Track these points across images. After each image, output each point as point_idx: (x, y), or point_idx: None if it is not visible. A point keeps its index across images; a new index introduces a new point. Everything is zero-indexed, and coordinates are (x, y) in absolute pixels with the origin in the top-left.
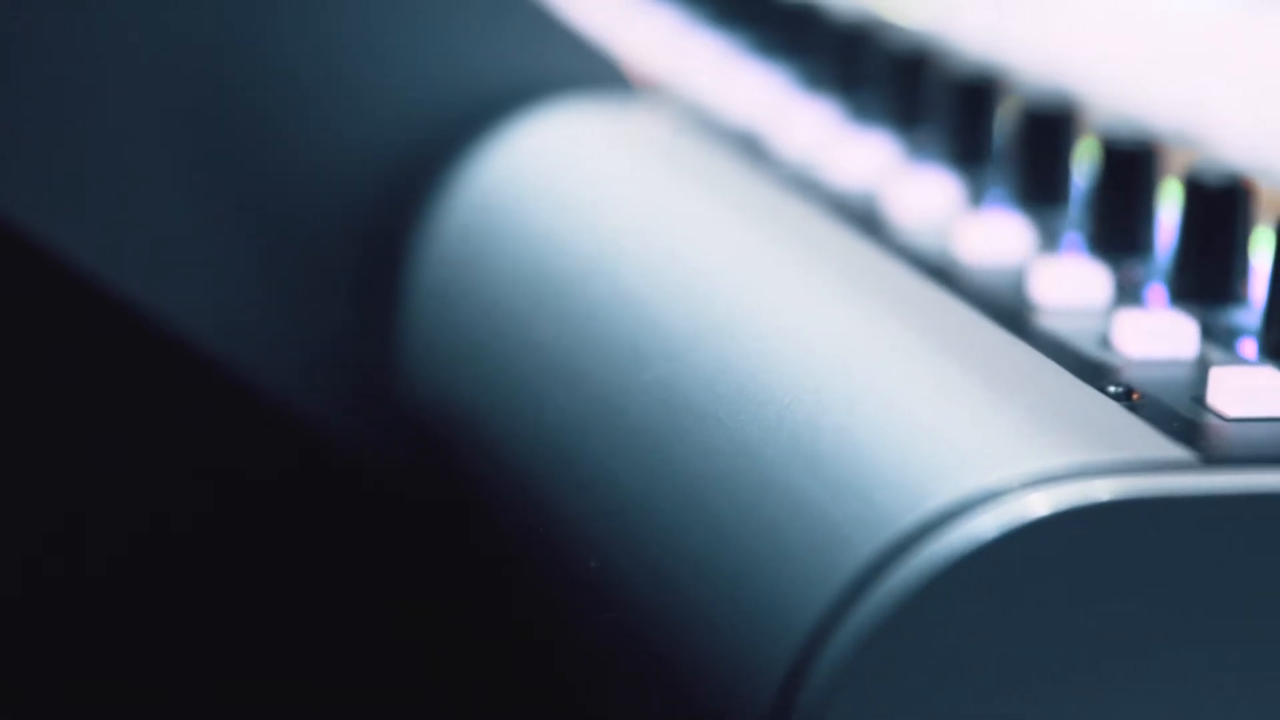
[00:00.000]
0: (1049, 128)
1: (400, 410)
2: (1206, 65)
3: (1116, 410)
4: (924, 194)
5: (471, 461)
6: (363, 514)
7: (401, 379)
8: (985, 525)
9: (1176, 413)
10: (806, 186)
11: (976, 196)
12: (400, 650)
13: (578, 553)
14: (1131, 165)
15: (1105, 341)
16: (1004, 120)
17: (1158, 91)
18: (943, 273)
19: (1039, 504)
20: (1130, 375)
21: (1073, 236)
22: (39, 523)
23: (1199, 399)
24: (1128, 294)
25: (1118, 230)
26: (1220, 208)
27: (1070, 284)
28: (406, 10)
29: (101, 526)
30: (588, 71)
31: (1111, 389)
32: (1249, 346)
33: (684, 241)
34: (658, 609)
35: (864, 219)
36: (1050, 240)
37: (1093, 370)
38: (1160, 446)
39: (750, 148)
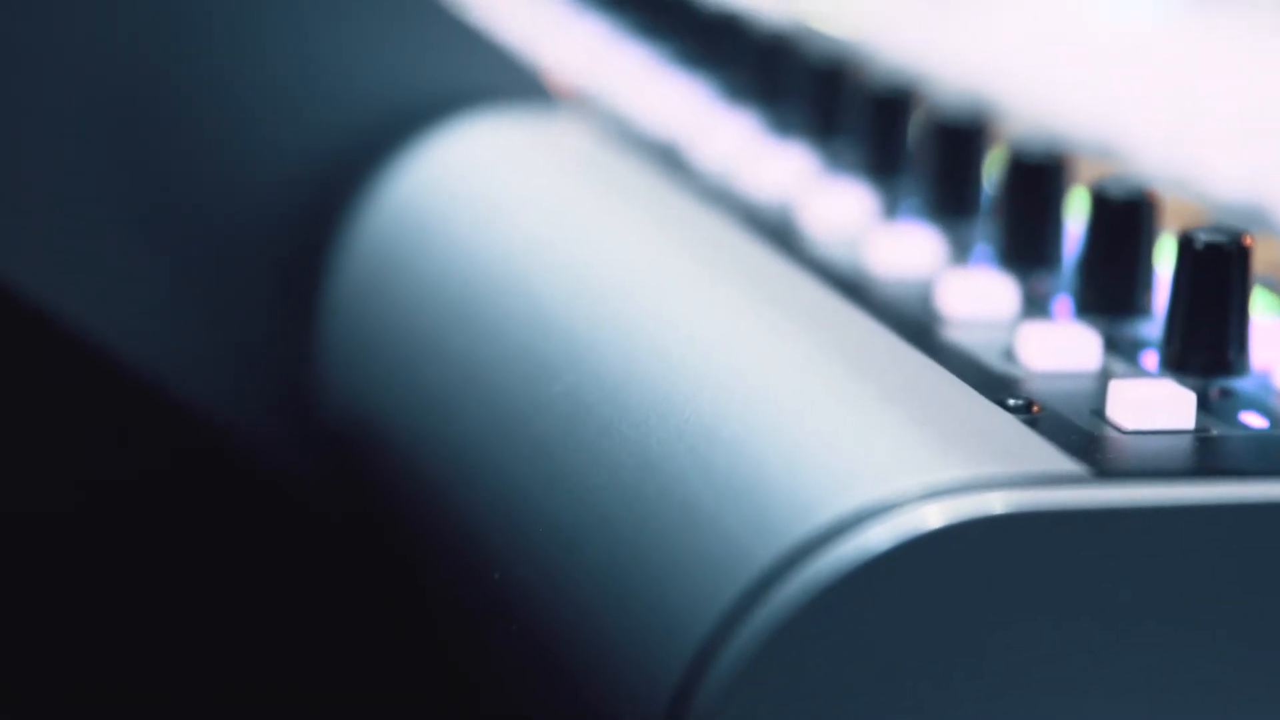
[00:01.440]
0: (961, 139)
1: (318, 420)
2: (1127, 77)
3: (1012, 423)
4: (837, 206)
5: (384, 473)
6: (281, 523)
7: (319, 389)
8: (877, 537)
9: (1075, 425)
10: (723, 198)
11: (890, 208)
12: (320, 657)
13: (482, 565)
14: (1040, 178)
15: (1009, 354)
16: (918, 132)
17: (1078, 102)
18: (853, 284)
19: (930, 516)
20: (1032, 388)
21: (983, 248)
22: None
23: (1098, 412)
24: (1034, 306)
25: (1027, 242)
26: (1125, 221)
27: (977, 296)
28: (326, 22)
29: (11, 533)
30: (509, 83)
31: (1012, 402)
32: (1151, 359)
33: (594, 254)
34: (558, 621)
35: (779, 231)
36: (961, 252)
37: (995, 383)
38: (1053, 460)
39: (670, 159)
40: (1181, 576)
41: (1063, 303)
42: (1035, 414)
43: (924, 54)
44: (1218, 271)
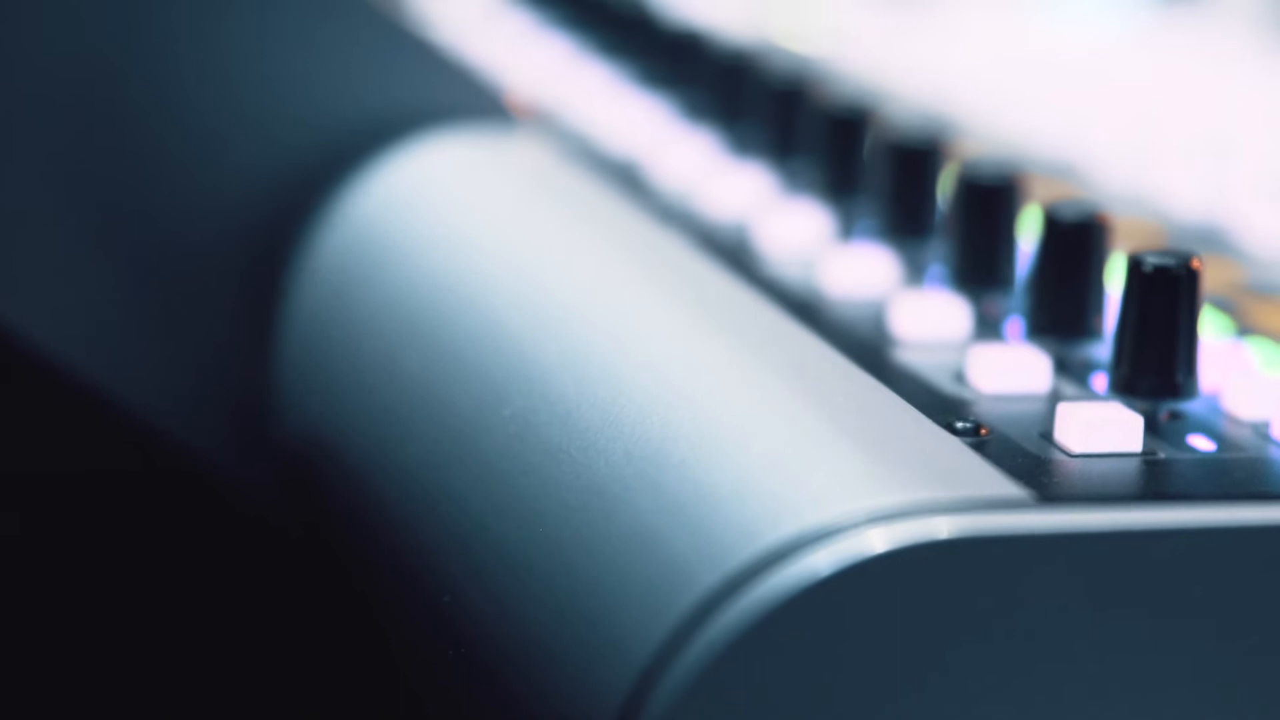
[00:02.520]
0: (916, 160)
1: (275, 436)
2: (1088, 96)
3: (958, 447)
4: (793, 226)
5: (338, 491)
6: (237, 536)
7: (276, 405)
8: (820, 561)
9: (1022, 449)
10: (681, 218)
11: (846, 228)
12: (272, 673)
13: (433, 586)
14: (992, 198)
15: (960, 376)
16: (874, 152)
17: (1039, 121)
18: (808, 305)
19: (872, 541)
20: (981, 410)
21: (938, 269)
22: None
23: (1046, 435)
24: (987, 328)
25: (980, 264)
26: (1076, 243)
27: (929, 318)
28: (286, 40)
29: None
30: (469, 102)
31: (960, 424)
32: (1102, 381)
33: (547, 275)
34: (506, 643)
35: (735, 251)
36: (916, 273)
37: (945, 405)
38: (998, 484)
39: (629, 178)
40: (1127, 601)
41: (1015, 324)
42: (983, 437)
43: (887, 71)
44: (1166, 294)
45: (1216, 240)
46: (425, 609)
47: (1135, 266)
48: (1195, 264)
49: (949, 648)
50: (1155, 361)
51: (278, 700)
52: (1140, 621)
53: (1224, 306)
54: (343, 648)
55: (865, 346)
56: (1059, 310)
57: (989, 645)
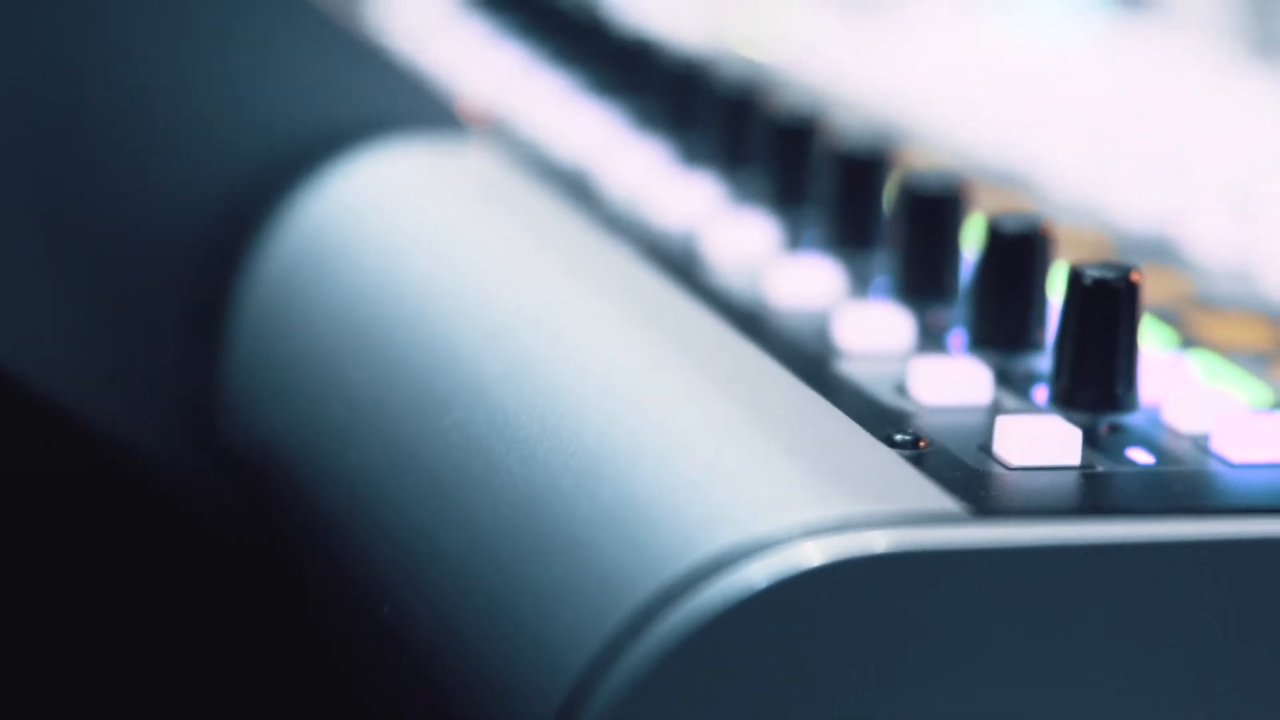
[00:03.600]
0: (862, 171)
1: (224, 445)
2: (1041, 106)
3: (895, 460)
4: (740, 236)
5: (285, 500)
6: (187, 544)
7: (225, 414)
8: (757, 573)
9: (961, 462)
10: (630, 227)
11: (794, 239)
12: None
13: (375, 597)
14: (936, 209)
15: (902, 388)
16: (821, 163)
17: (992, 130)
18: (753, 316)
19: (809, 553)
20: (922, 423)
21: (883, 280)
22: None
23: (985, 448)
24: (930, 339)
25: (924, 275)
26: (1018, 255)
27: (872, 329)
28: (237, 48)
29: None
30: (420, 111)
31: (899, 437)
32: (1044, 394)
33: (490, 286)
34: (445, 655)
35: (682, 261)
36: (862, 284)
37: (886, 417)
38: (933, 498)
39: (579, 187)
40: (1064, 615)
41: (958, 336)
42: (922, 449)
43: (843, 79)
44: (1106, 307)
45: (1164, 251)
46: (368, 618)
47: (1075, 279)
48: (1135, 277)
49: (885, 660)
50: (1095, 374)
51: (224, 706)
52: (1077, 636)
53: (1169, 318)
54: (290, 655)
55: (809, 357)
56: (1001, 322)
57: (925, 658)
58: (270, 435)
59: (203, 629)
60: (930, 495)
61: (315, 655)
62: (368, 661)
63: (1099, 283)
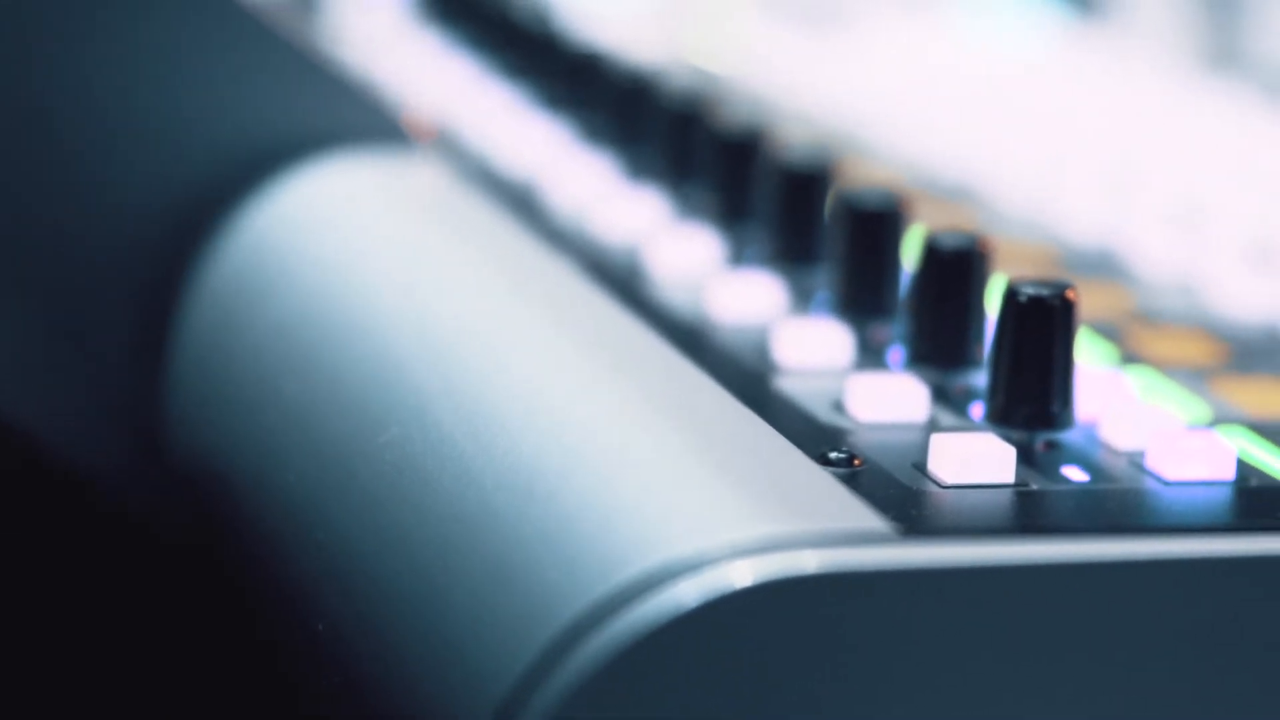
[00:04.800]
0: (804, 186)
1: (168, 457)
2: (993, 118)
3: (826, 479)
4: (684, 252)
5: (226, 515)
6: (131, 557)
7: (169, 428)
8: (686, 592)
9: (895, 480)
10: (575, 242)
11: (738, 254)
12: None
13: (310, 615)
14: (876, 226)
15: (839, 405)
16: (764, 177)
17: (944, 142)
18: (694, 332)
19: (739, 573)
20: (858, 440)
21: (825, 296)
22: None
23: (920, 466)
24: (870, 356)
25: (865, 291)
26: (955, 272)
27: (811, 345)
28: (183, 62)
29: None
30: (367, 125)
31: (834, 455)
32: (980, 411)
33: (431, 302)
34: (377, 675)
35: (626, 276)
36: (804, 299)
37: (822, 435)
38: (863, 517)
39: (526, 201)
40: (995, 636)
41: (898, 352)
42: (856, 468)
43: (796, 90)
44: (1041, 325)
45: (1110, 265)
46: (304, 635)
47: (1011, 296)
48: (1071, 294)
49: (816, 680)
50: (1030, 392)
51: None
52: (1008, 656)
53: (1111, 334)
54: (232, 669)
55: (748, 374)
56: (940, 339)
57: (857, 677)
58: (211, 451)
59: (146, 643)
60: (861, 515)
61: (256, 670)
62: (305, 678)
63: (1034, 300)
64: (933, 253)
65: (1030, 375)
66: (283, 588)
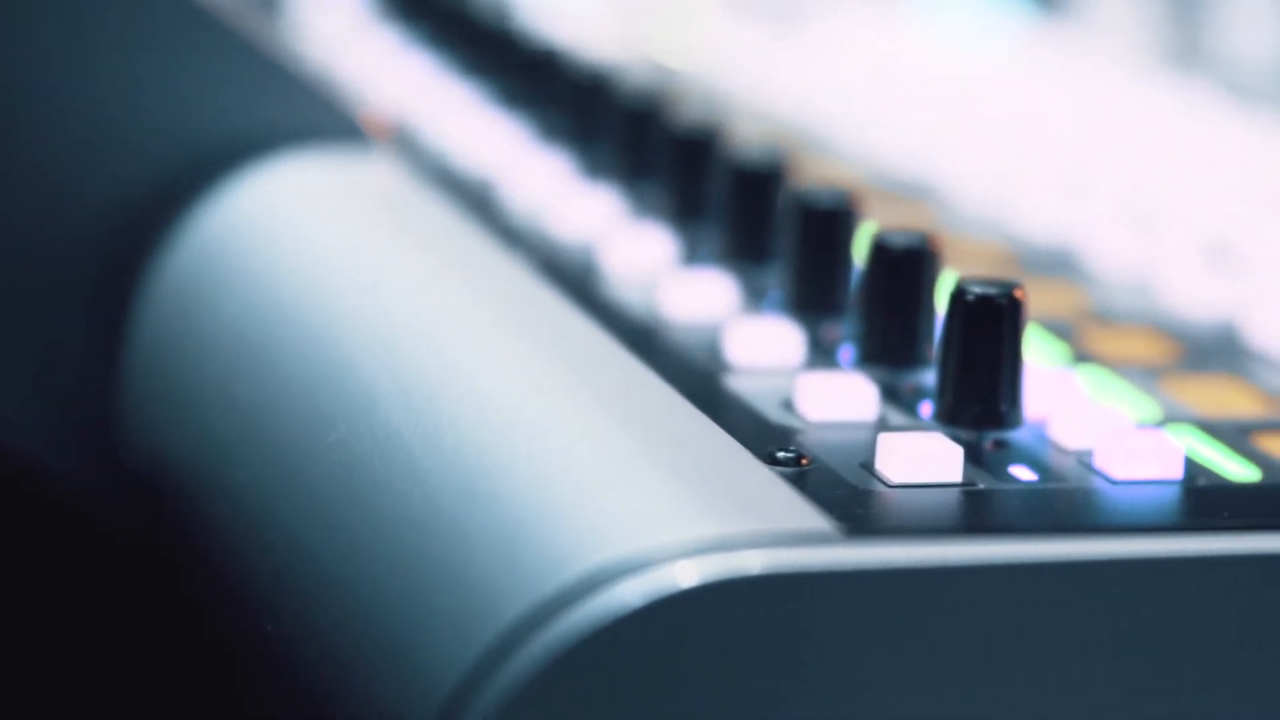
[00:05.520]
0: (757, 184)
1: (123, 456)
2: (954, 116)
3: (772, 479)
4: (638, 250)
5: (180, 515)
6: (85, 559)
7: (124, 427)
8: (630, 592)
9: (842, 479)
10: (530, 240)
11: (692, 253)
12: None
13: (259, 615)
14: (828, 224)
15: (789, 404)
16: (719, 176)
17: (905, 139)
18: (647, 330)
19: (683, 573)
20: (807, 439)
21: (779, 295)
22: None
23: (867, 465)
24: (821, 355)
25: (817, 290)
26: (905, 271)
27: (762, 345)
28: (138, 60)
29: None
30: (324, 124)
31: (781, 455)
32: (930, 410)
33: (383, 301)
34: (324, 675)
35: (580, 275)
36: (757, 299)
37: (770, 434)
38: (808, 517)
39: (482, 199)
40: (941, 637)
41: (849, 352)
42: (804, 467)
43: (757, 87)
44: (989, 324)
45: (1066, 264)
46: (253, 634)
47: (959, 295)
48: (1019, 293)
49: (762, 681)
50: (978, 391)
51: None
52: (955, 656)
53: (1063, 332)
54: (181, 666)
55: (699, 373)
56: (889, 338)
57: (803, 678)
58: (165, 450)
59: (97, 641)
60: (806, 514)
61: (207, 670)
62: (254, 679)
63: (982, 299)
64: (882, 251)
65: (978, 374)
66: (232, 588)
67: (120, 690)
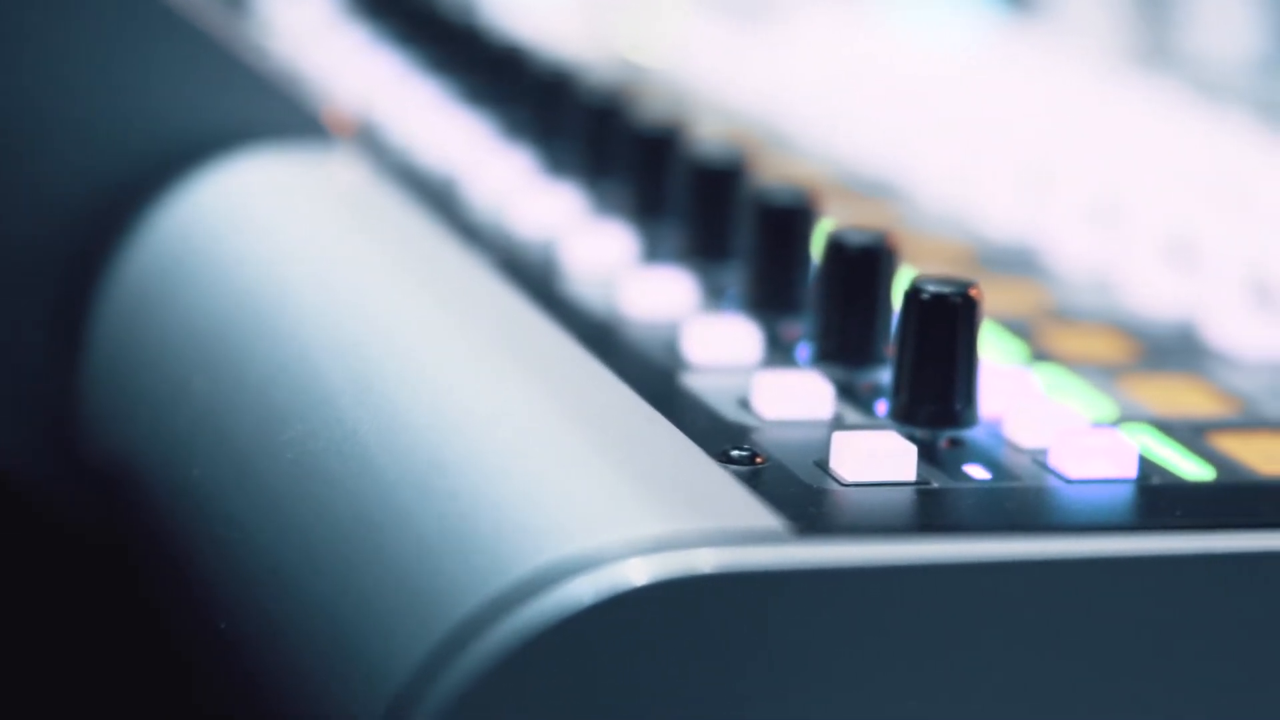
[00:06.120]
0: (718, 182)
1: (83, 453)
2: (918, 114)
3: (725, 477)
4: (598, 247)
5: (138, 513)
6: (45, 555)
7: (83, 423)
8: (581, 589)
9: (796, 478)
10: (491, 238)
11: (652, 250)
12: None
13: (214, 613)
14: (786, 222)
15: (745, 402)
16: (679, 174)
17: (869, 137)
18: (606, 328)
19: (633, 571)
20: (763, 437)
21: (736, 293)
22: None
23: (822, 463)
24: (779, 353)
25: (776, 288)
26: (861, 270)
27: (720, 343)
28: (99, 56)
29: None
30: (286, 121)
31: (735, 453)
32: (885, 408)
33: (338, 299)
34: (276, 672)
35: (541, 272)
36: (715, 297)
37: (726, 432)
38: (759, 516)
39: (445, 197)
40: (893, 637)
41: (807, 350)
42: (758, 465)
43: (724, 84)
44: (944, 323)
45: (1028, 263)
46: (207, 633)
47: (913, 294)
48: (974, 292)
49: (713, 679)
50: (933, 389)
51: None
52: (906, 655)
53: (1023, 330)
54: (138, 662)
55: (657, 371)
56: (846, 336)
57: (754, 677)
58: (122, 446)
59: (55, 638)
60: (757, 513)
61: (163, 666)
62: (209, 674)
63: (936, 298)
64: (838, 250)
65: (933, 373)
66: (188, 585)
67: (78, 687)
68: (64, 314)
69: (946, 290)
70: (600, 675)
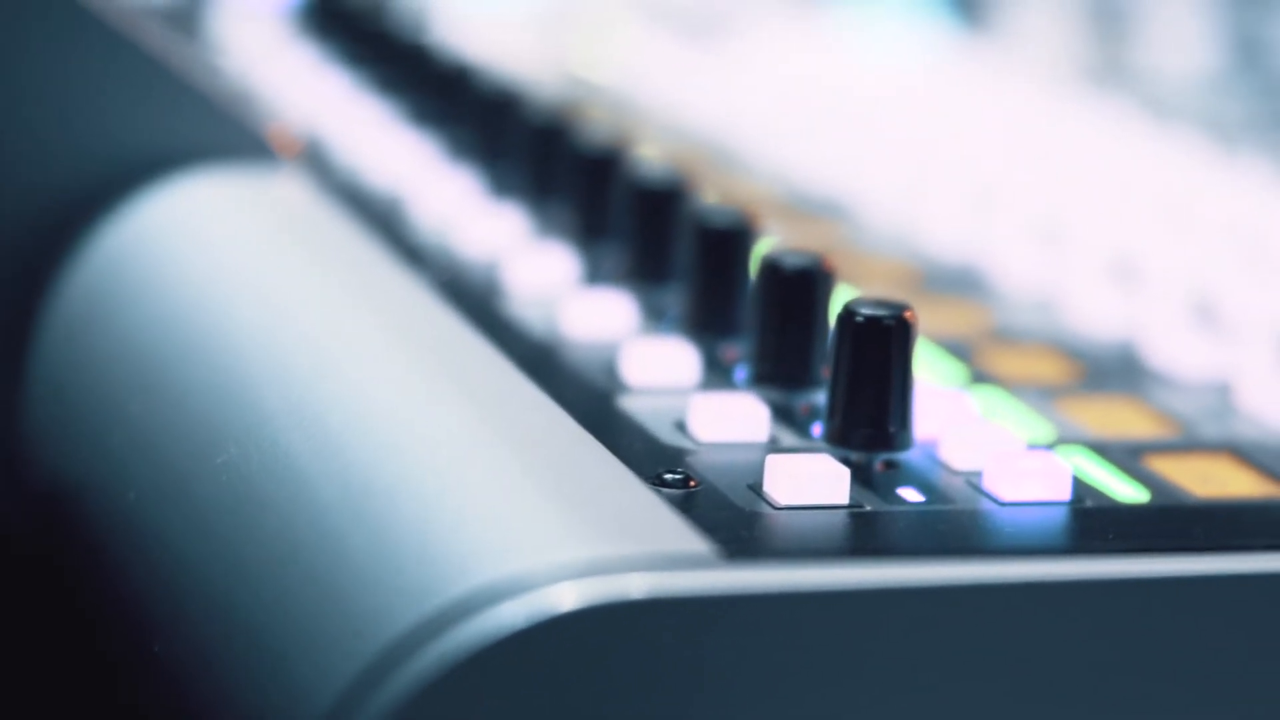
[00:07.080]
0: (659, 204)
1: (24, 476)
2: (865, 135)
3: (656, 501)
4: (541, 269)
5: (76, 535)
6: None
7: (24, 445)
8: (509, 614)
9: (729, 501)
10: (435, 259)
11: (594, 272)
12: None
13: (147, 636)
14: (724, 244)
15: (682, 425)
16: (621, 195)
17: (818, 157)
18: (546, 350)
19: (561, 596)
20: (698, 460)
21: (676, 315)
22: None
23: (755, 487)
24: (717, 375)
25: (714, 310)
26: (798, 291)
27: (657, 364)
28: (38, 75)
29: None
30: (230, 141)
31: (669, 476)
32: (820, 431)
33: (274, 320)
34: (208, 696)
35: (483, 293)
36: (656, 319)
37: (661, 455)
38: (687, 540)
39: (389, 218)
40: (824, 663)
41: (745, 372)
42: (692, 489)
43: (676, 103)
44: (878, 345)
45: (971, 283)
46: (141, 657)
47: (847, 317)
48: (908, 315)
49: (642, 705)
50: (867, 412)
51: None
52: (837, 681)
53: (963, 352)
54: (76, 684)
55: (595, 393)
56: (783, 358)
57: (685, 703)
58: (62, 467)
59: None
60: (687, 538)
61: (97, 689)
62: (144, 696)
63: (870, 320)
64: (774, 271)
65: (867, 396)
66: (123, 608)
67: (11, 708)
68: (7, 333)
69: (881, 313)
70: (529, 700)
